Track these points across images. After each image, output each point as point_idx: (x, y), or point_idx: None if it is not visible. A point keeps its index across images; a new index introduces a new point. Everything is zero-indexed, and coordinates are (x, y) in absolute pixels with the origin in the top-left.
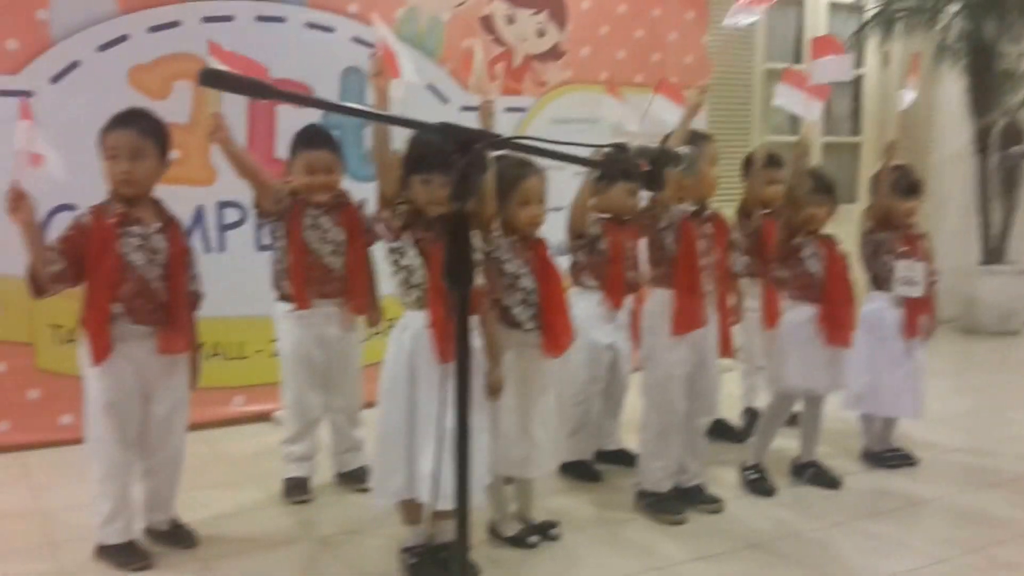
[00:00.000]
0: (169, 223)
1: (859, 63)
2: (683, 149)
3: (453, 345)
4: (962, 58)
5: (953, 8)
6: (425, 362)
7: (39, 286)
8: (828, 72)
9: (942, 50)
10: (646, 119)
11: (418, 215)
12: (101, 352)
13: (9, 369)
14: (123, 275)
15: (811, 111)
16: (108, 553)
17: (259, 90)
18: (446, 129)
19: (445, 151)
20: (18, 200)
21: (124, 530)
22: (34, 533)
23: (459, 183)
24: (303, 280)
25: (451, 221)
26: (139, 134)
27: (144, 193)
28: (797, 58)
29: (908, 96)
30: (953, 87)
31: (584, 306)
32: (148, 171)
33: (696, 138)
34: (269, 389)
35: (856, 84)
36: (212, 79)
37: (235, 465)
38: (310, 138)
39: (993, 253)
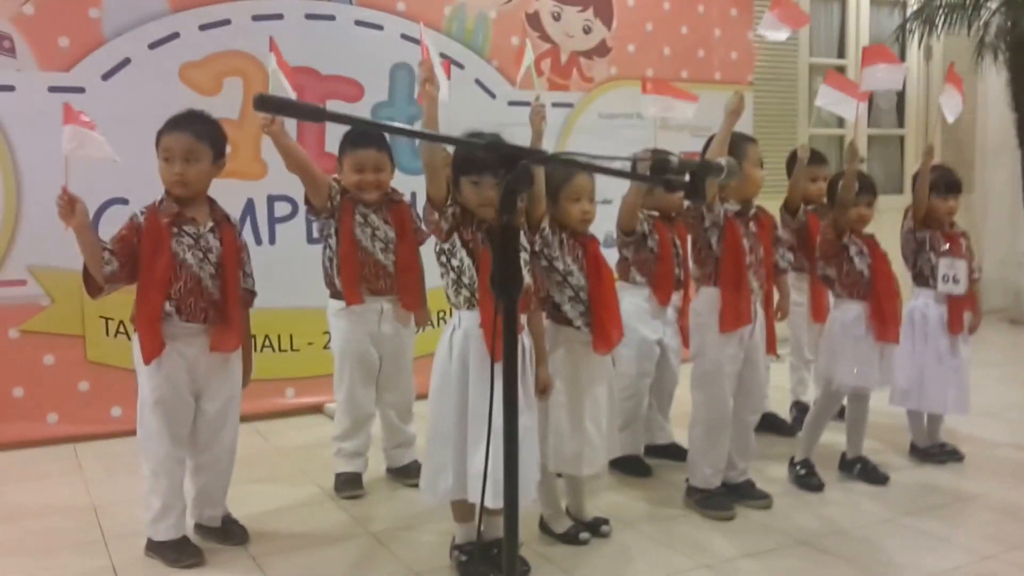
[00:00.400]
0: (222, 222)
1: (902, 57)
2: (723, 160)
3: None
4: (1003, 53)
5: (993, 4)
6: (477, 361)
7: (95, 286)
8: (879, 80)
9: (983, 45)
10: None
11: (467, 217)
12: (152, 350)
13: (59, 361)
14: (175, 274)
15: (851, 111)
16: (159, 549)
17: (313, 114)
18: (493, 147)
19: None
20: (70, 205)
21: (175, 526)
22: (87, 528)
23: (505, 197)
24: (355, 277)
25: (498, 232)
26: (193, 137)
27: (198, 193)
28: (841, 53)
29: (951, 107)
30: (995, 82)
31: (632, 302)
32: (201, 173)
33: (740, 141)
34: (320, 381)
35: None
36: (265, 104)
37: (287, 458)
38: (359, 137)
39: None
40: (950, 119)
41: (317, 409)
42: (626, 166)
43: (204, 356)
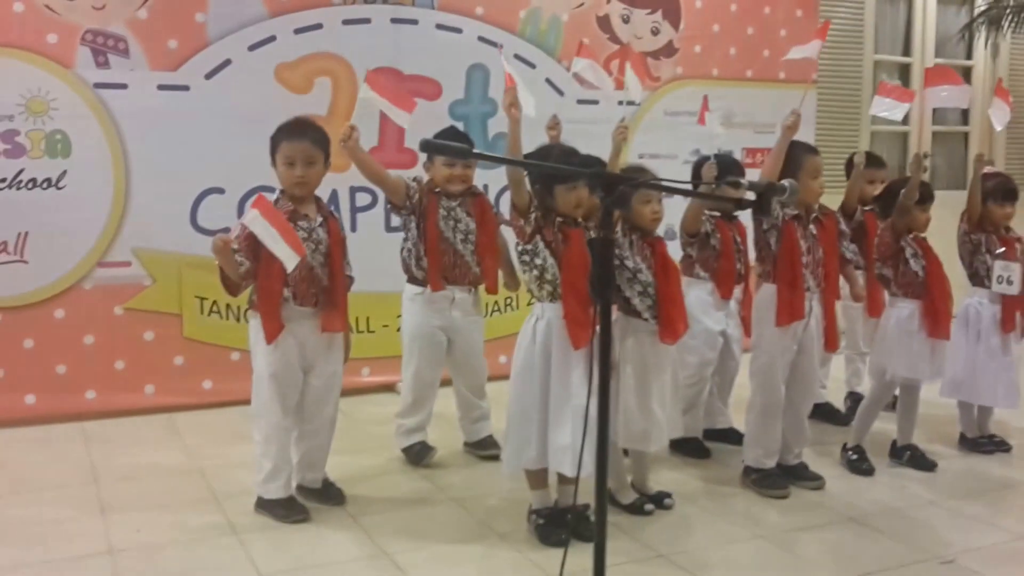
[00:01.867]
0: (328, 217)
1: (968, 55)
2: (788, 182)
3: (586, 333)
4: None
5: None
6: (559, 348)
7: (233, 287)
8: (945, 100)
9: None
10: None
11: (547, 220)
12: (273, 331)
13: (158, 337)
14: None
15: (902, 115)
16: (269, 506)
17: (463, 153)
18: (595, 176)
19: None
20: (225, 246)
21: (284, 487)
22: (197, 488)
23: (605, 217)
24: (439, 266)
25: (598, 245)
26: (312, 144)
27: (312, 192)
28: (906, 51)
29: (999, 116)
30: None
31: (697, 295)
32: (318, 175)
33: (798, 152)
34: (393, 361)
35: (966, 75)
36: (428, 147)
37: (366, 431)
38: (452, 138)
39: None
40: (998, 127)
41: (389, 388)
42: (698, 175)
43: (313, 336)
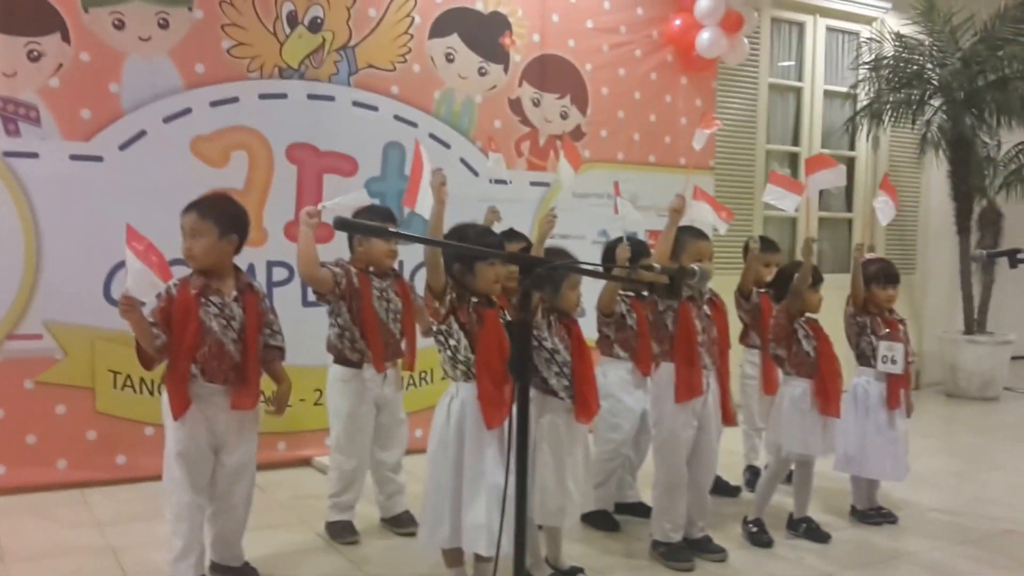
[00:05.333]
0: (246, 290)
1: (852, 146)
2: (696, 266)
3: (500, 412)
4: (943, 148)
5: (935, 103)
6: (473, 427)
7: (149, 360)
8: (824, 182)
9: (925, 141)
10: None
11: (461, 301)
12: (180, 408)
13: (70, 411)
14: (201, 340)
15: (793, 205)
16: None
17: (380, 233)
18: (512, 257)
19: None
20: (131, 305)
21: (195, 566)
22: (109, 568)
23: (523, 298)
24: (379, 346)
25: (517, 326)
26: (198, 216)
27: (212, 266)
28: (795, 140)
29: (884, 212)
30: (937, 172)
31: (617, 375)
32: (204, 248)
33: (685, 237)
34: (310, 435)
35: (849, 165)
36: (343, 225)
37: (284, 507)
38: (384, 216)
39: (974, 324)
40: (883, 223)
41: (306, 462)
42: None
43: (224, 414)
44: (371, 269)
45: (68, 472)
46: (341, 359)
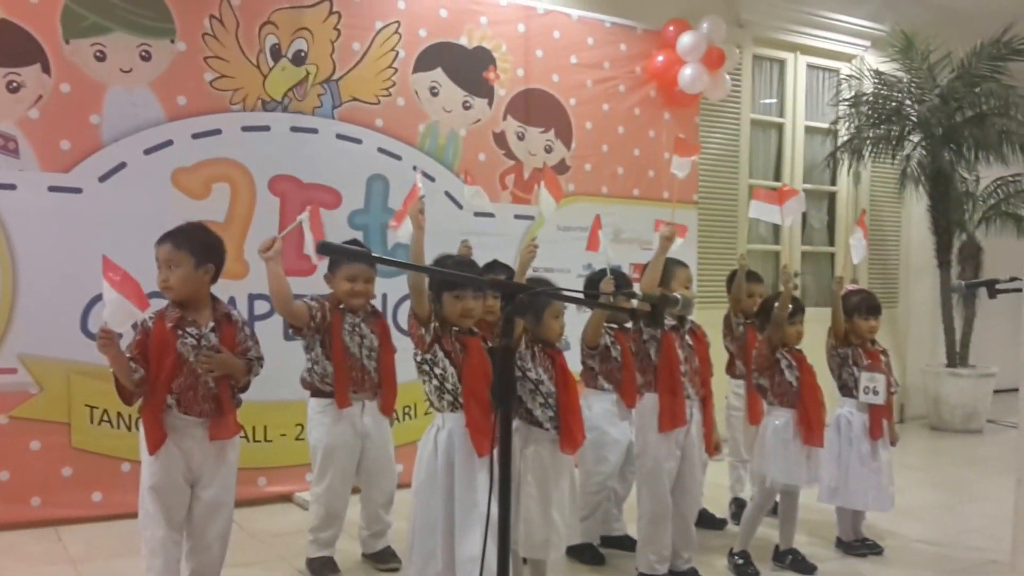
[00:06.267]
0: (222, 321)
1: (833, 181)
2: (678, 294)
3: (489, 439)
4: (923, 182)
5: (914, 139)
6: (463, 456)
7: (128, 395)
8: (793, 209)
9: (905, 176)
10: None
11: (446, 329)
12: (155, 442)
13: (45, 447)
14: (178, 371)
15: (778, 217)
16: None
17: (362, 256)
18: (494, 284)
19: (473, 270)
20: (110, 340)
21: None
22: None
23: (505, 324)
24: (345, 380)
25: (499, 353)
26: (173, 246)
27: (188, 297)
28: (777, 175)
29: (857, 250)
30: (917, 207)
31: (602, 406)
32: (180, 279)
33: (670, 265)
34: (291, 471)
35: (831, 200)
36: (327, 249)
37: (264, 543)
38: (354, 254)
39: (957, 357)
40: (856, 260)
41: (287, 498)
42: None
43: (200, 446)
44: (341, 305)
45: (42, 510)
46: (315, 392)
